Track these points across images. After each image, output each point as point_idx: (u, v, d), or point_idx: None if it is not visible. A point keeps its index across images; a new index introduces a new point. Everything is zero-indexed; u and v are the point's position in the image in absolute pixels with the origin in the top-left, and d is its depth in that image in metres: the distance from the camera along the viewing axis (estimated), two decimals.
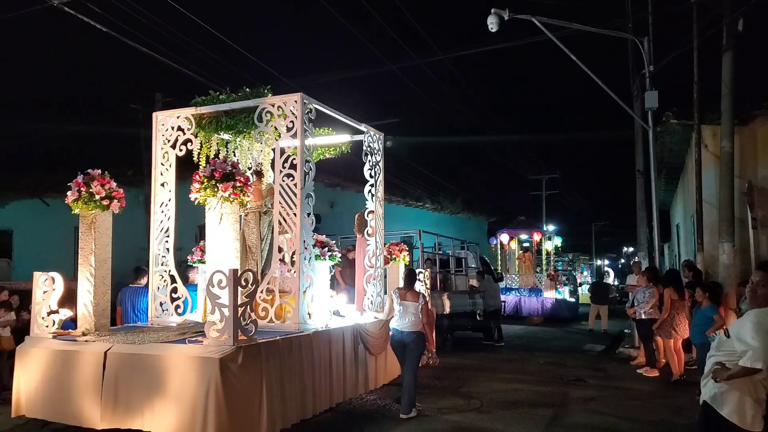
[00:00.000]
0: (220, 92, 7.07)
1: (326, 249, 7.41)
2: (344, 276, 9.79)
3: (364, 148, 8.11)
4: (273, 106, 6.57)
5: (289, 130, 6.48)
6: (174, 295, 7.01)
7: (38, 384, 5.58)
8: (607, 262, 47.08)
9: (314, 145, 7.47)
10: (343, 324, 6.99)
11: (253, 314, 5.33)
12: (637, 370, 9.08)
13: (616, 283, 32.10)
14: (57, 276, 5.92)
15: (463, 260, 14.62)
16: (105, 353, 5.27)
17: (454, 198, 25.45)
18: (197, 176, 5.97)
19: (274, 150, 6.71)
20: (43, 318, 5.87)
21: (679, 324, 8.34)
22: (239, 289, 5.06)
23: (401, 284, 7.35)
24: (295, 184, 6.39)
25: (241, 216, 6.79)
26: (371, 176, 8.13)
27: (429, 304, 7.49)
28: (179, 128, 7.11)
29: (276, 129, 6.61)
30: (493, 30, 9.97)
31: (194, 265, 7.88)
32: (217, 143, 7.39)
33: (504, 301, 17.51)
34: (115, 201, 6.20)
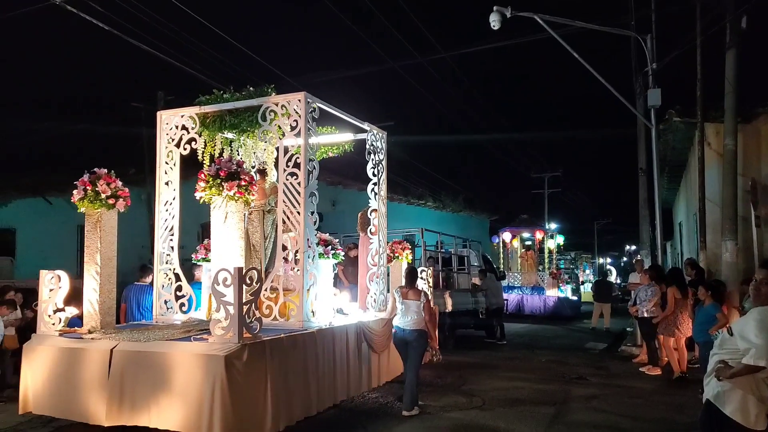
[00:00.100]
0: (224, 91, 7.11)
1: (329, 247, 7.43)
2: (346, 274, 9.81)
3: (367, 146, 8.12)
4: (277, 105, 6.60)
5: (292, 129, 6.51)
6: (178, 293, 7.04)
7: (45, 381, 5.62)
8: (609, 260, 47.00)
9: (318, 143, 7.48)
10: (347, 322, 7.01)
11: (257, 312, 5.37)
12: (639, 369, 9.09)
13: (618, 281, 32.10)
14: (63, 274, 5.96)
15: (465, 258, 14.65)
16: (111, 351, 5.30)
17: (456, 196, 25.43)
18: (203, 175, 6.00)
19: (277, 149, 6.73)
20: (49, 316, 5.91)
21: (682, 322, 8.36)
22: (244, 287, 5.09)
23: (403, 282, 7.37)
24: (299, 183, 6.42)
25: (245, 214, 6.82)
26: (374, 175, 8.15)
27: (432, 302, 7.51)
28: (183, 127, 7.15)
29: (280, 128, 6.64)
30: (496, 28, 9.95)
31: (199, 263, 7.91)
32: (221, 142, 7.44)
33: (506, 300, 17.55)
34: (121, 200, 6.21)
